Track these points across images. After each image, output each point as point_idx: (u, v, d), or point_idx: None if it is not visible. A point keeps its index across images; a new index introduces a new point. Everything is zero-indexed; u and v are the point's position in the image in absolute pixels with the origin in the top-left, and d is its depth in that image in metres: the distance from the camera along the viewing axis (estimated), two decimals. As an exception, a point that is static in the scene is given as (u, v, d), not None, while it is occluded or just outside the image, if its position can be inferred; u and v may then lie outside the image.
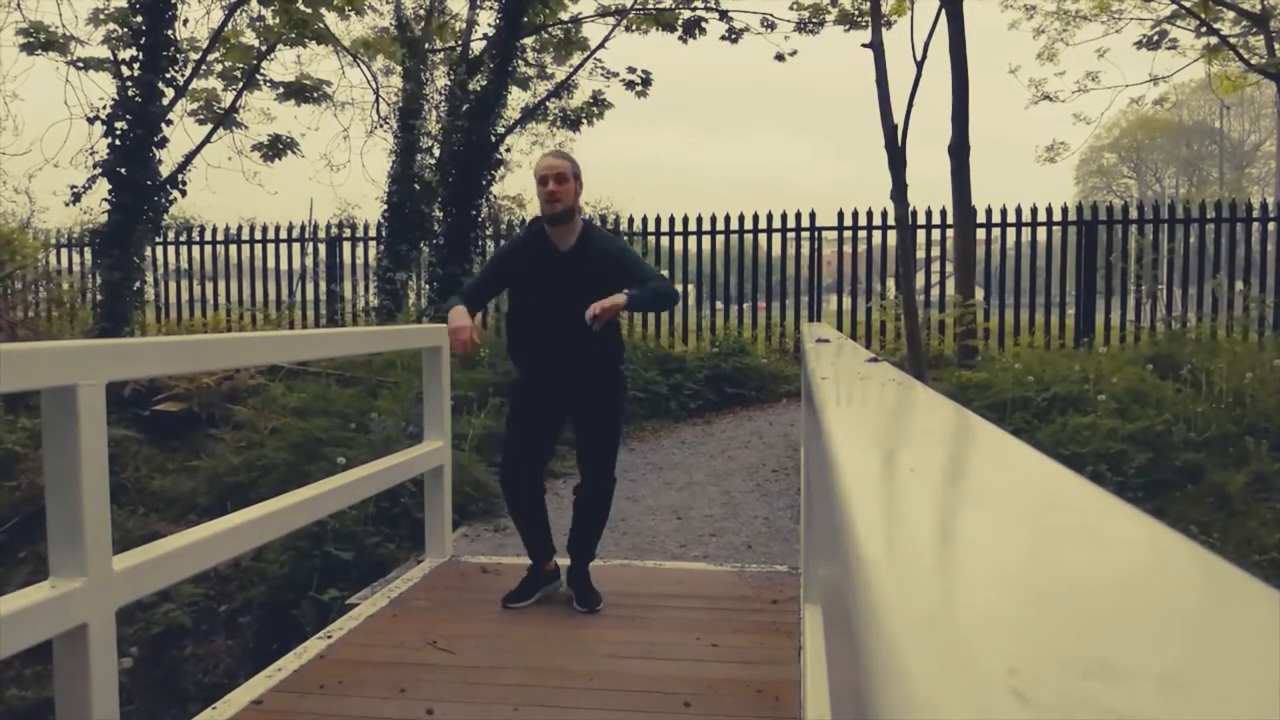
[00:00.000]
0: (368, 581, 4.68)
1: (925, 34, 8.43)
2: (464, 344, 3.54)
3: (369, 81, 12.57)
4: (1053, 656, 0.34)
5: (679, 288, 12.10)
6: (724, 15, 11.85)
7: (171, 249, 12.39)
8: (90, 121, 9.59)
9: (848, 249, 11.28)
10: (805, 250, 11.19)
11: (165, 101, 9.65)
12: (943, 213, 10.60)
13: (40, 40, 10.72)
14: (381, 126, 12.05)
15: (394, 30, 11.78)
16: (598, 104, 12.33)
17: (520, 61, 11.50)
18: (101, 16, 10.83)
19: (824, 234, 11.26)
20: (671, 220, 11.27)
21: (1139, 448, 6.80)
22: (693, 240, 11.36)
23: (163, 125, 9.65)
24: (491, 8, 11.03)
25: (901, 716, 0.32)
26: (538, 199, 3.58)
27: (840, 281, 11.26)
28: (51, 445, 1.94)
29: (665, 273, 11.87)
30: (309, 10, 11.17)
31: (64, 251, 12.52)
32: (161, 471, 7.27)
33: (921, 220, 10.73)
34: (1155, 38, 13.18)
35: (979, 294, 10.69)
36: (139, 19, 9.44)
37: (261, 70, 11.70)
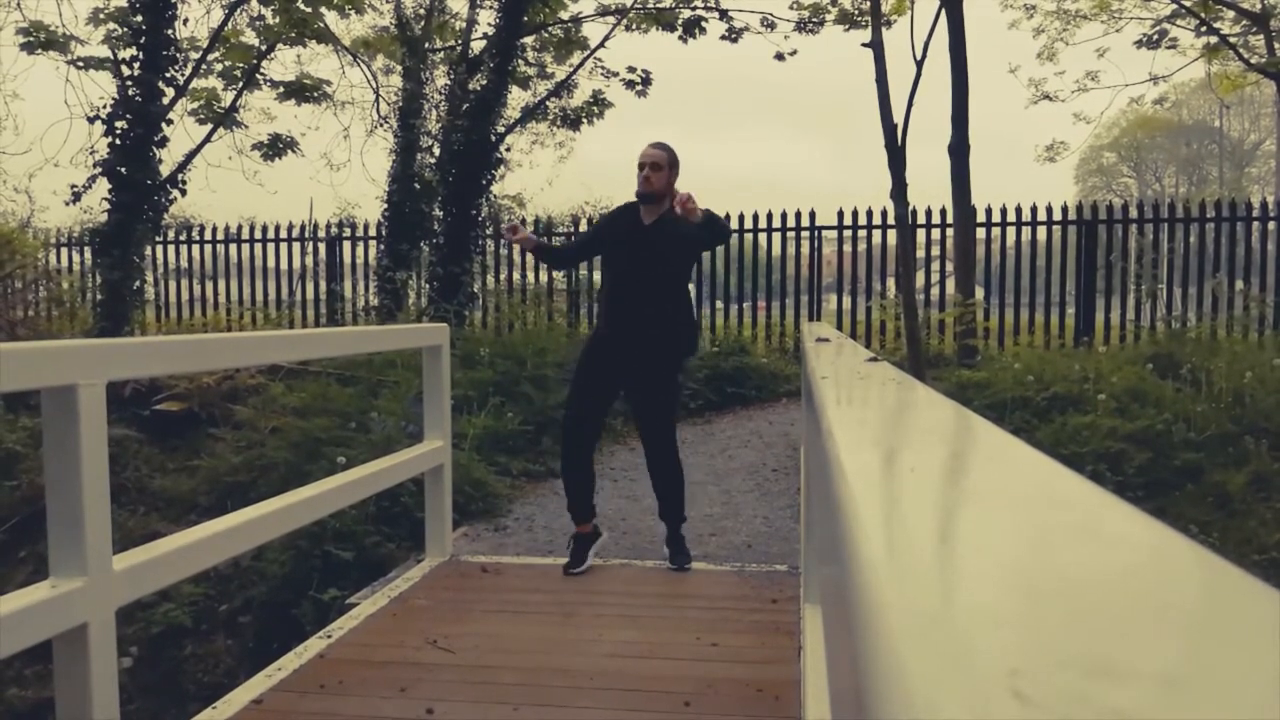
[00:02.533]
0: (368, 581, 4.68)
1: (925, 33, 8.43)
2: (516, 233, 4.16)
3: (369, 81, 12.58)
4: (1053, 656, 0.34)
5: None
6: (724, 15, 11.85)
7: (172, 248, 12.39)
8: (90, 121, 9.59)
9: (848, 248, 11.28)
10: (805, 250, 11.19)
11: (165, 101, 9.65)
12: (942, 212, 10.60)
13: (40, 40, 10.71)
14: (381, 126, 12.05)
15: (394, 29, 11.78)
16: (598, 103, 12.33)
17: (520, 61, 11.50)
18: (101, 16, 10.83)
19: (824, 233, 11.25)
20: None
21: (1139, 447, 6.80)
22: (693, 240, 11.33)
23: (163, 125, 9.65)
24: (491, 7, 11.04)
25: (901, 716, 0.32)
26: (637, 181, 4.20)
27: (840, 281, 11.26)
28: (52, 445, 1.94)
29: None
30: (309, 9, 11.18)
31: (64, 251, 12.51)
32: (162, 471, 7.27)
33: (921, 220, 10.73)
34: (1155, 37, 13.18)
35: (979, 293, 10.69)
36: (139, 18, 9.44)
37: (261, 70, 11.70)
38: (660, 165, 4.18)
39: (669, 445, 4.25)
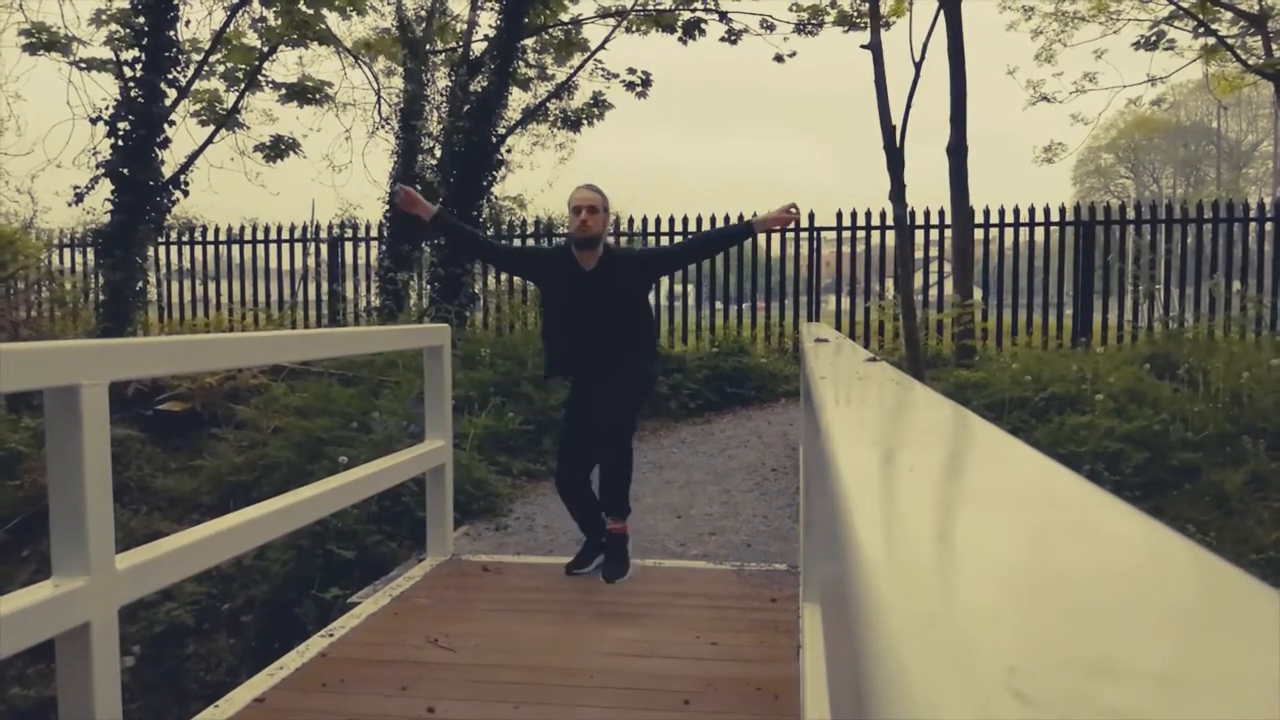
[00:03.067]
0: (369, 580, 4.68)
1: (924, 35, 8.43)
2: (404, 196, 4.06)
3: (370, 82, 12.58)
4: (1052, 655, 0.35)
5: (679, 288, 12.15)
6: (723, 16, 11.85)
7: (174, 249, 12.39)
8: (93, 122, 9.59)
9: (846, 249, 11.28)
10: (804, 250, 11.19)
11: (167, 102, 9.66)
12: (941, 213, 10.61)
13: (42, 41, 10.71)
14: (383, 127, 12.06)
15: (395, 31, 11.78)
16: (598, 105, 12.34)
17: (521, 62, 11.50)
18: (104, 17, 10.83)
19: (823, 234, 11.25)
20: (671, 221, 11.26)
21: (1136, 447, 6.80)
22: (693, 240, 11.34)
23: (165, 126, 9.66)
24: (492, 9, 11.04)
25: (901, 715, 0.32)
26: (570, 225, 4.04)
27: (839, 281, 11.26)
28: (55, 445, 1.95)
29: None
30: (311, 11, 11.18)
31: (67, 252, 12.51)
32: (164, 471, 7.27)
33: (920, 220, 10.73)
34: (1153, 38, 13.18)
35: (977, 294, 10.70)
36: (141, 20, 9.44)
37: (263, 71, 11.70)
38: (596, 208, 4.00)
39: (618, 432, 4.02)
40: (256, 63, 11.51)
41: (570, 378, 4.27)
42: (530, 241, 11.70)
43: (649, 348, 4.20)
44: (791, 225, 3.97)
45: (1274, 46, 12.04)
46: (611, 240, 4.09)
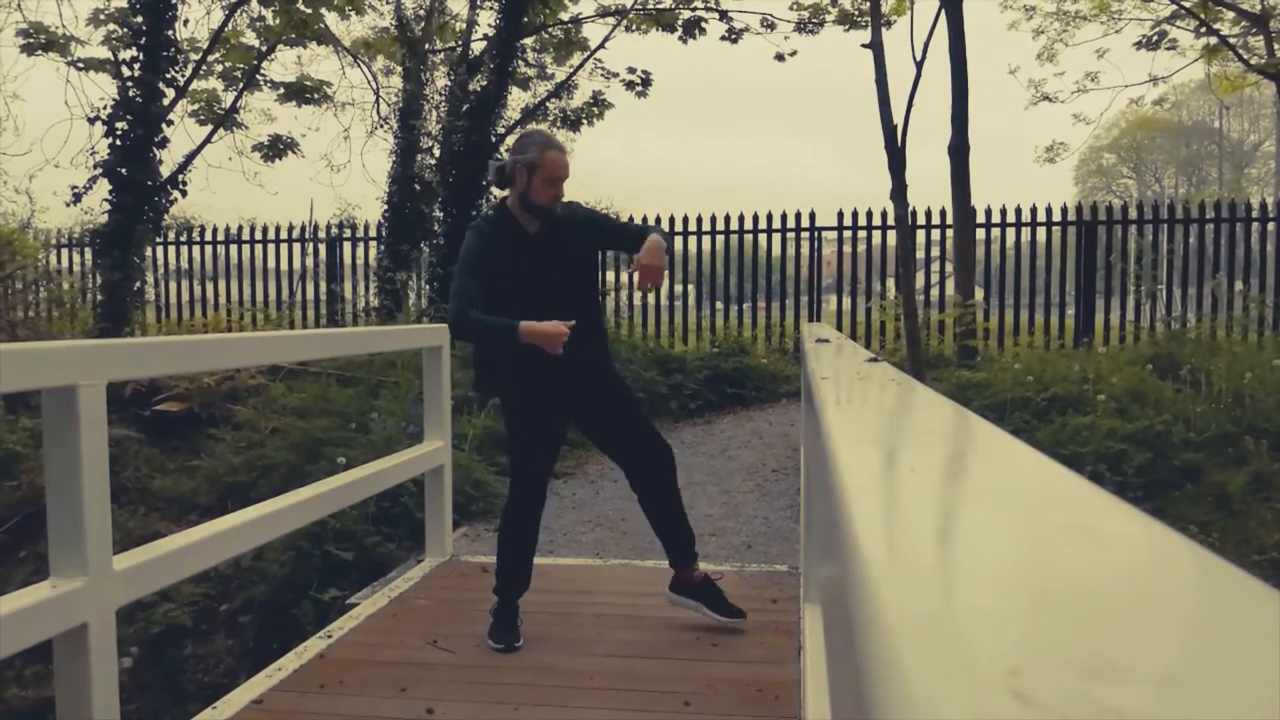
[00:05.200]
0: (368, 581, 4.68)
1: (925, 34, 8.42)
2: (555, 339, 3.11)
3: (369, 82, 12.59)
4: (1053, 656, 0.35)
5: (679, 288, 12.15)
6: (724, 15, 11.86)
7: (172, 249, 12.39)
8: (91, 122, 9.59)
9: (847, 249, 11.28)
10: (805, 250, 11.19)
11: (166, 102, 9.66)
12: (942, 213, 10.61)
13: (40, 41, 10.72)
14: (382, 127, 12.06)
15: (394, 30, 11.78)
16: (598, 104, 12.33)
17: (520, 62, 11.50)
18: (102, 17, 10.83)
19: (824, 234, 11.26)
20: (671, 220, 11.26)
21: (1138, 448, 6.80)
22: (692, 240, 11.36)
23: (163, 125, 9.66)
24: (492, 8, 11.04)
25: (901, 716, 0.32)
26: (540, 192, 3.22)
27: (840, 282, 11.26)
28: (52, 445, 1.94)
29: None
30: (309, 10, 11.18)
31: (64, 251, 12.51)
32: (162, 471, 7.27)
33: (921, 220, 10.73)
34: (1155, 38, 13.18)
35: (978, 294, 10.69)
36: (139, 19, 9.44)
37: (262, 71, 11.70)
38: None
39: (660, 444, 3.43)
40: (255, 62, 11.51)
41: (528, 370, 3.24)
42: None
43: (606, 335, 3.53)
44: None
45: (1276, 46, 12.03)
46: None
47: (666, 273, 3.27)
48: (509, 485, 3.45)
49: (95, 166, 9.59)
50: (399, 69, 11.99)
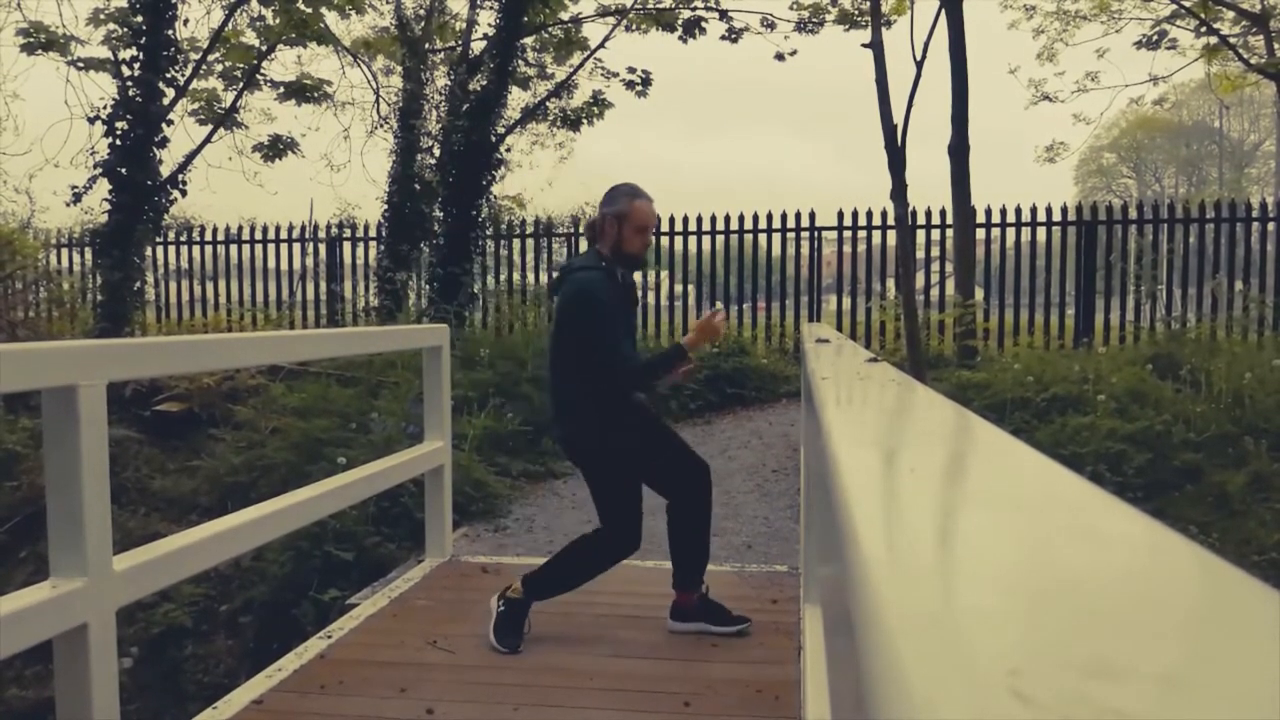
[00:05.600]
0: (368, 581, 4.68)
1: (925, 34, 8.42)
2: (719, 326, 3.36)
3: (369, 81, 12.58)
4: (1053, 656, 0.35)
5: (679, 288, 12.15)
6: (724, 15, 11.86)
7: (172, 249, 12.39)
8: (91, 121, 9.59)
9: (847, 249, 11.28)
10: (805, 250, 11.18)
11: (165, 101, 9.66)
12: (942, 213, 10.60)
13: (40, 40, 10.71)
14: (382, 126, 12.05)
15: (394, 30, 11.78)
16: (598, 104, 12.33)
17: (520, 61, 11.50)
18: (102, 16, 10.83)
19: (824, 234, 11.25)
20: (671, 220, 11.26)
21: (1138, 448, 6.80)
22: (693, 240, 11.36)
23: (163, 125, 9.66)
24: (491, 7, 11.04)
25: (901, 716, 0.32)
26: (631, 242, 3.37)
27: (840, 282, 11.25)
28: (52, 445, 1.94)
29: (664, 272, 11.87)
30: (309, 10, 11.18)
31: (64, 251, 12.51)
32: (162, 471, 7.27)
33: (921, 220, 10.73)
34: (1155, 38, 13.18)
35: (979, 294, 10.69)
36: (139, 19, 9.44)
37: (262, 70, 11.70)
38: None
39: (698, 459, 3.64)
40: (255, 62, 11.51)
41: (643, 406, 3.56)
42: (530, 242, 11.70)
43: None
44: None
45: (1276, 46, 12.03)
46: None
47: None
48: (612, 525, 3.40)
49: (95, 166, 9.59)
50: (399, 68, 11.99)
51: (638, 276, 3.64)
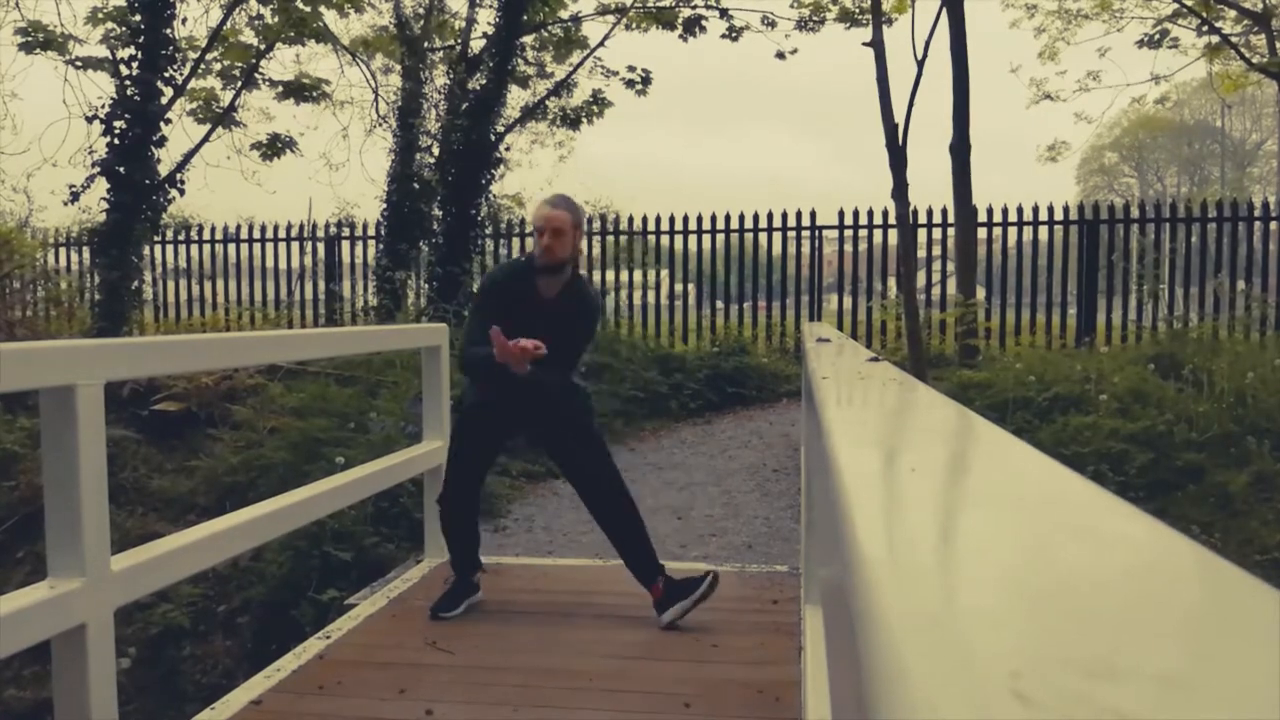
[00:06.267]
0: (367, 582, 4.67)
1: (926, 32, 8.44)
2: (524, 351, 3.19)
3: (368, 80, 12.58)
4: (1054, 656, 0.34)
5: (679, 287, 12.15)
6: (724, 13, 11.86)
7: (170, 248, 12.39)
8: (89, 120, 9.59)
9: (848, 248, 11.28)
10: (805, 250, 11.19)
11: (164, 100, 9.66)
12: (944, 212, 10.60)
13: (38, 39, 10.72)
14: (381, 125, 12.05)
15: (393, 29, 11.79)
16: (597, 103, 12.34)
17: (520, 60, 11.50)
18: (100, 15, 10.83)
19: (825, 233, 11.26)
20: (671, 219, 11.27)
21: (1140, 448, 6.79)
22: (693, 240, 11.36)
23: (161, 124, 9.66)
24: (491, 6, 11.05)
25: (902, 717, 0.32)
26: (534, 245, 3.42)
27: (841, 281, 11.26)
28: (50, 445, 1.94)
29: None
30: (307, 9, 11.18)
31: (62, 251, 12.52)
32: (160, 471, 7.26)
33: (922, 219, 10.73)
34: (1156, 37, 13.18)
35: (980, 293, 10.70)
36: (137, 18, 9.44)
37: (260, 69, 11.70)
38: (563, 229, 3.34)
39: (620, 480, 3.64)
40: (253, 60, 11.51)
41: (488, 396, 3.57)
42: (529, 241, 11.69)
43: (583, 395, 3.76)
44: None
45: (1278, 45, 12.03)
46: (584, 271, 3.49)
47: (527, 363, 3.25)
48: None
49: (93, 165, 9.59)
50: (398, 67, 11.99)
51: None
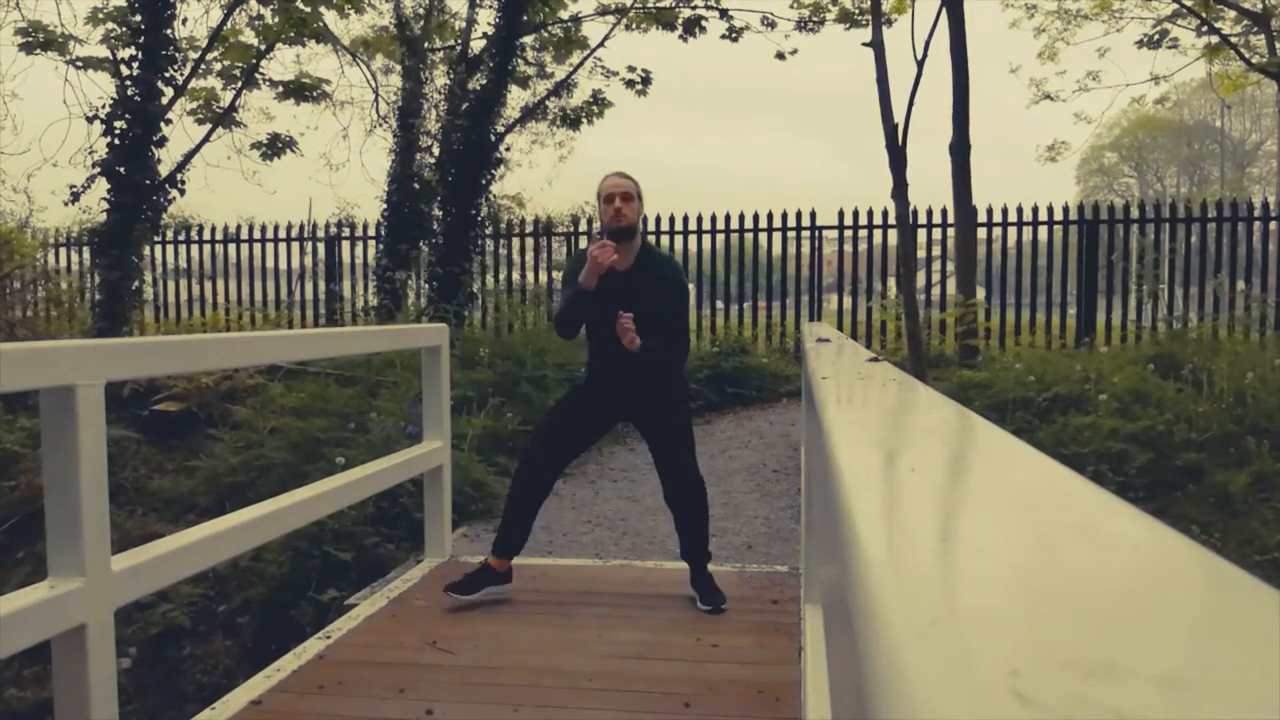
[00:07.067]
0: (367, 582, 4.68)
1: (926, 33, 8.44)
2: (608, 254, 3.46)
3: (368, 80, 12.58)
4: (1054, 657, 0.34)
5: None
6: (724, 14, 11.86)
7: (170, 248, 12.39)
8: (89, 121, 9.59)
9: (848, 248, 11.28)
10: (805, 250, 11.19)
11: (164, 101, 9.66)
12: (943, 212, 10.60)
13: (39, 39, 10.71)
14: (381, 126, 12.06)
15: (393, 29, 11.79)
16: (597, 103, 12.33)
17: (520, 60, 11.50)
18: (100, 15, 10.82)
19: (824, 233, 11.25)
20: (671, 220, 11.27)
21: (1140, 448, 6.79)
22: (693, 240, 11.36)
23: (162, 124, 9.66)
24: (491, 6, 11.04)
25: (902, 717, 0.32)
26: (601, 216, 3.66)
27: (841, 281, 11.26)
28: (50, 445, 1.94)
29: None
30: (308, 9, 11.18)
31: (63, 251, 12.51)
32: (160, 471, 7.27)
33: (922, 219, 10.73)
34: (1156, 37, 13.18)
35: (980, 293, 10.69)
36: (138, 18, 9.44)
37: (260, 69, 11.70)
38: (630, 195, 3.59)
39: (686, 476, 3.84)
40: (253, 60, 11.51)
41: (592, 377, 3.81)
42: (529, 241, 11.70)
43: (681, 369, 3.85)
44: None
45: (1277, 45, 12.03)
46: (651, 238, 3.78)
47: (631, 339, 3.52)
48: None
49: (93, 165, 9.59)
50: (398, 68, 11.99)
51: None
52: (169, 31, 9.56)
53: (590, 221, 11.73)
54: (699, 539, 3.84)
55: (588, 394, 3.84)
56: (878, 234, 11.14)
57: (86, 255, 11.81)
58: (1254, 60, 12.13)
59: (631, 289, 3.57)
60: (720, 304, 11.50)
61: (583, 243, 11.17)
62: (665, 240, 11.38)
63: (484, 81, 10.85)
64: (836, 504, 0.65)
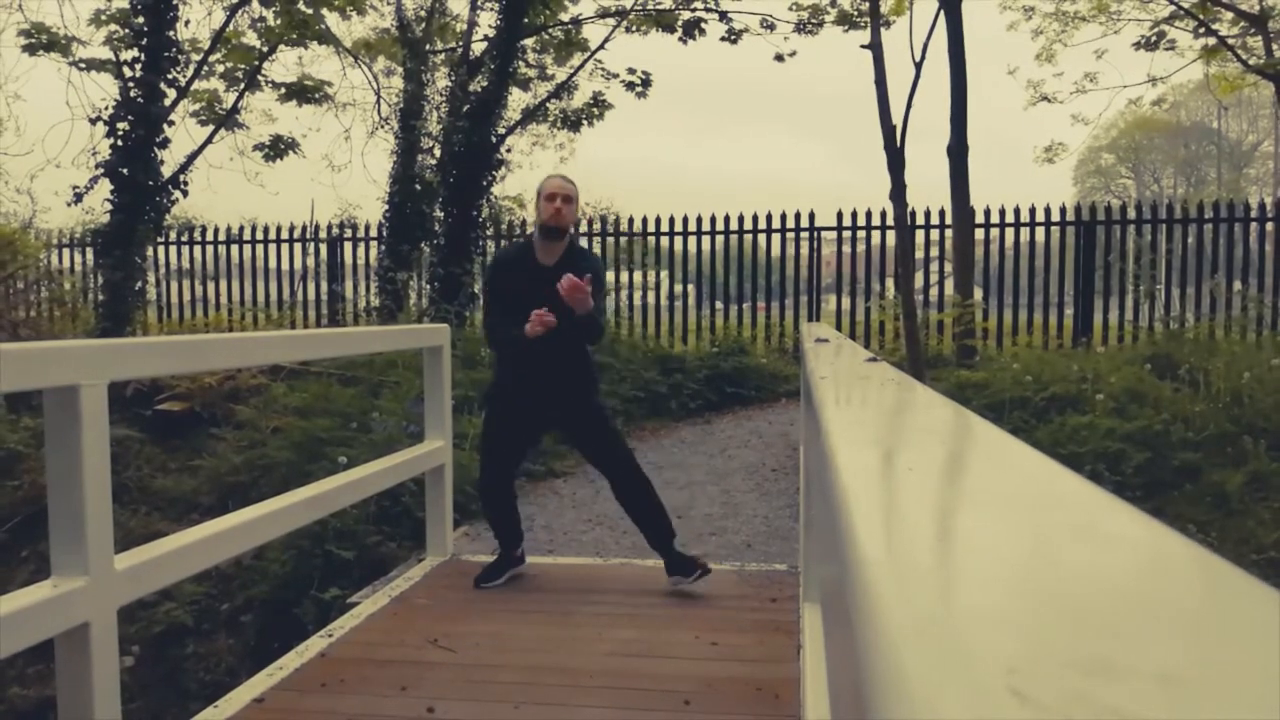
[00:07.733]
0: (369, 580, 4.68)
1: (924, 35, 8.43)
2: (545, 323, 3.64)
3: (370, 82, 12.59)
4: (1052, 655, 0.35)
5: (679, 288, 12.15)
6: (724, 16, 11.85)
7: (173, 249, 12.39)
8: (92, 122, 9.59)
9: (847, 249, 11.28)
10: (804, 250, 11.19)
11: (167, 102, 9.66)
12: (941, 213, 10.60)
13: (42, 41, 10.72)
14: (382, 127, 12.06)
15: (395, 31, 11.79)
16: (598, 105, 12.34)
17: (521, 62, 11.50)
18: (103, 17, 10.84)
19: (823, 234, 11.26)
20: (671, 220, 11.26)
21: (1137, 447, 6.79)
22: (693, 240, 11.36)
23: (164, 126, 9.66)
24: (492, 9, 11.04)
25: (901, 715, 0.32)
26: (540, 212, 3.85)
27: (839, 281, 11.26)
28: (54, 445, 1.94)
29: (661, 275, 11.89)
30: (310, 11, 11.18)
31: (66, 252, 12.51)
32: (163, 471, 7.27)
33: (920, 220, 10.73)
34: (1153, 39, 13.16)
35: (978, 294, 10.69)
36: (140, 20, 9.44)
37: (263, 71, 11.71)
38: (571, 198, 3.85)
39: (626, 468, 3.94)
40: (256, 62, 11.51)
41: (512, 375, 3.93)
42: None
43: (594, 372, 4.02)
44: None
45: (1274, 47, 12.02)
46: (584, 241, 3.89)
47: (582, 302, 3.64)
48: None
49: (96, 167, 9.59)
50: (400, 69, 11.99)
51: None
52: (171, 33, 9.57)
53: (591, 222, 11.74)
54: (657, 518, 3.93)
55: (508, 399, 3.95)
56: (876, 235, 11.14)
57: (90, 256, 11.82)
58: (1251, 61, 12.13)
59: (553, 284, 3.67)
60: (720, 304, 11.50)
61: (582, 243, 11.17)
62: (665, 241, 11.38)
63: (485, 83, 10.85)
64: (835, 503, 0.65)
